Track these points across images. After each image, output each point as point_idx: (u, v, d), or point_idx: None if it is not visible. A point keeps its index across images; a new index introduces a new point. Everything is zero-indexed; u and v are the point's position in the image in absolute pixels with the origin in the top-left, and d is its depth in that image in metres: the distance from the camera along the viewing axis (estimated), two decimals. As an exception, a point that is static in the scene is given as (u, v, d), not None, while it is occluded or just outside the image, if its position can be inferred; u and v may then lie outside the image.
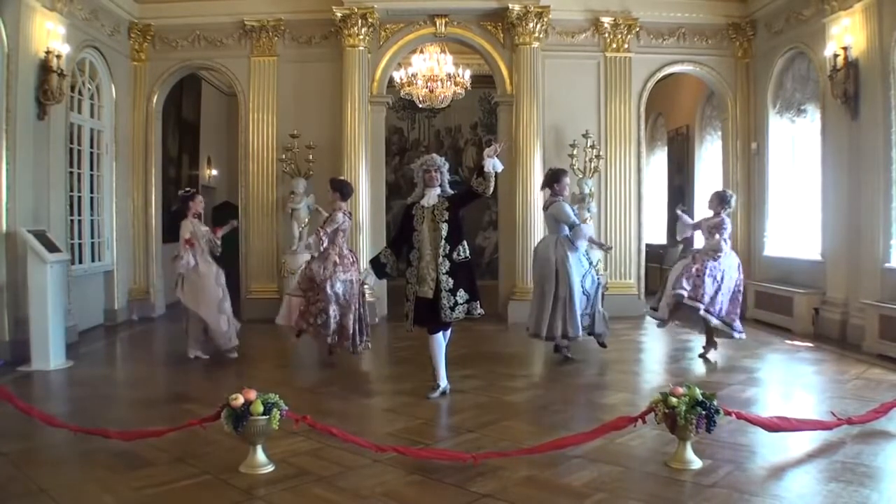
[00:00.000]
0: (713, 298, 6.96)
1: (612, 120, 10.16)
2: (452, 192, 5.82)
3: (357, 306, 6.99)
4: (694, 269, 6.99)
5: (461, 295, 5.64)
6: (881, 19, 7.51)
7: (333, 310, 6.80)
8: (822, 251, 8.78)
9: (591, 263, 7.14)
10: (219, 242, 7.45)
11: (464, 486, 3.79)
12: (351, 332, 6.90)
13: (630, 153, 10.23)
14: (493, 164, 5.53)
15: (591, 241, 7.32)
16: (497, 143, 5.93)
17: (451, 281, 5.61)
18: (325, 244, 6.80)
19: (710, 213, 7.32)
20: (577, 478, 3.91)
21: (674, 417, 3.93)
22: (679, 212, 7.62)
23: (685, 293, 6.94)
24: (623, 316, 9.72)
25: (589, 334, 7.12)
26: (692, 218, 7.90)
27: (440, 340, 5.83)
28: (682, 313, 7.19)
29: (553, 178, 7.10)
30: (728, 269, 7.06)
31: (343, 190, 7.15)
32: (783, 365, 7.18)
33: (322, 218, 7.42)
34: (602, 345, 7.26)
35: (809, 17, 8.81)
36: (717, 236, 7.03)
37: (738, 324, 7.11)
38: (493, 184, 5.58)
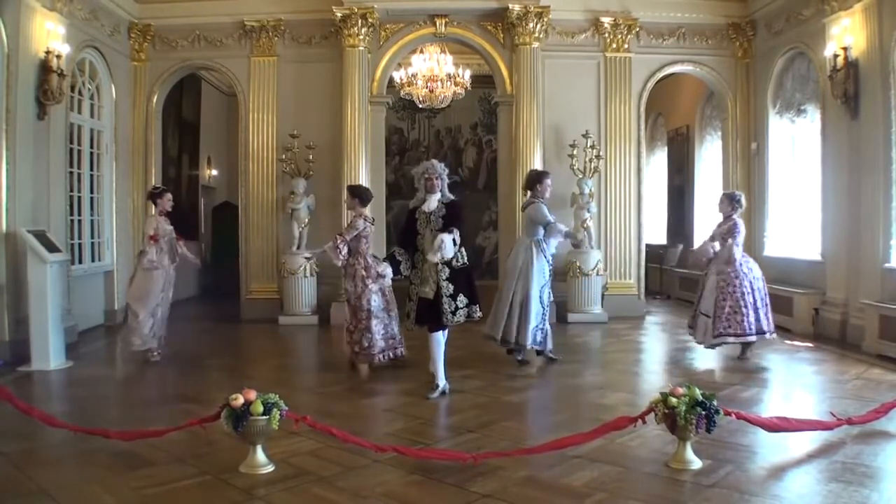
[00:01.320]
0: (758, 317, 6.93)
1: (612, 120, 10.17)
2: (451, 200, 5.96)
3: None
4: (729, 308, 6.88)
5: (461, 300, 5.78)
6: (881, 19, 7.51)
7: (376, 325, 6.58)
8: (822, 251, 8.78)
9: (551, 276, 6.97)
10: (179, 251, 7.37)
11: (464, 486, 3.79)
12: (401, 337, 6.79)
13: (630, 153, 10.23)
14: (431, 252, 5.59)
15: (566, 235, 7.05)
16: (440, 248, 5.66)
17: (451, 287, 5.75)
18: (343, 252, 6.50)
19: (721, 218, 7.22)
20: (577, 478, 3.90)
21: (674, 417, 3.93)
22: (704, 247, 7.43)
23: (728, 335, 6.92)
24: (623, 316, 9.74)
25: (538, 352, 6.95)
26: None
27: (440, 339, 5.90)
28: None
29: (535, 180, 7.00)
30: (755, 280, 7.01)
31: (362, 196, 6.90)
32: (783, 365, 7.17)
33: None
34: (553, 359, 7.00)
35: (809, 17, 8.81)
36: (730, 241, 6.96)
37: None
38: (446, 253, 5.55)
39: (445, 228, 5.70)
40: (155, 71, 10.28)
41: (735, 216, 7.09)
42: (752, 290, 6.96)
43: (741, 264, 7.00)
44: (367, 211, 6.87)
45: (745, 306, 6.88)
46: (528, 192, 7.08)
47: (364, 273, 6.60)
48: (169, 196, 7.38)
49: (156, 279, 7.12)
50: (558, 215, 9.91)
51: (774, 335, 7.18)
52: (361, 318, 6.57)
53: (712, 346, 7.09)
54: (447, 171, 6.07)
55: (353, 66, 9.72)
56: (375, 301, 6.60)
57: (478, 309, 5.89)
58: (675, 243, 12.78)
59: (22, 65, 7.33)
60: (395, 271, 6.08)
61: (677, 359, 7.41)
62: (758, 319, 6.94)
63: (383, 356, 6.63)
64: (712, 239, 7.23)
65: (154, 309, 7.11)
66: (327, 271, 9.86)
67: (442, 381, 5.85)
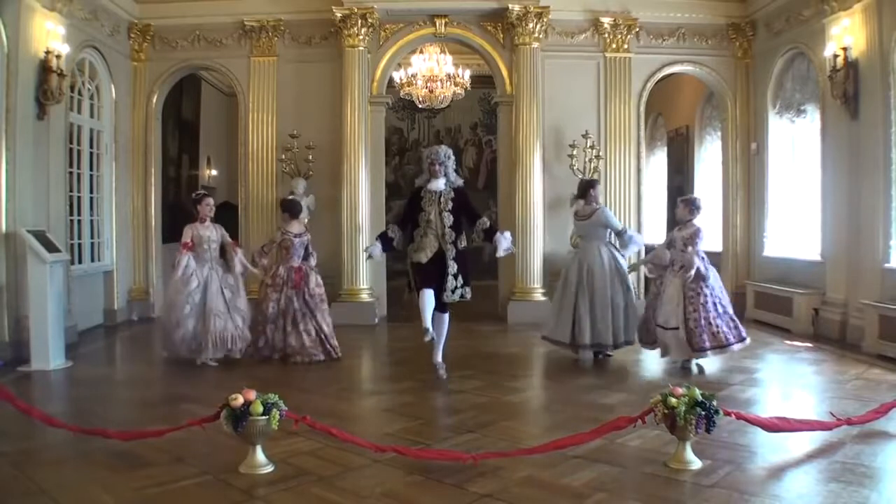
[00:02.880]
0: (734, 325, 6.64)
1: (611, 120, 10.16)
2: (460, 186, 6.34)
3: (305, 321, 7.15)
4: (703, 320, 6.47)
5: (460, 280, 6.17)
6: (881, 19, 7.51)
7: (270, 330, 7.13)
8: (821, 251, 8.78)
9: None
10: (237, 258, 7.14)
11: (464, 486, 3.79)
12: (302, 345, 7.10)
13: (630, 153, 10.23)
14: (503, 248, 6.22)
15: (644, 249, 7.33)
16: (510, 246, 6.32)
17: (455, 266, 6.13)
18: (260, 262, 7.27)
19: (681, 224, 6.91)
20: (577, 478, 3.91)
21: (673, 418, 3.93)
22: (643, 267, 7.38)
23: (708, 349, 6.49)
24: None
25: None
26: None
27: (431, 297, 6.08)
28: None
29: (590, 186, 7.24)
30: (719, 287, 6.72)
31: (289, 209, 7.52)
32: (783, 365, 7.18)
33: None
34: (608, 356, 7.17)
35: (809, 17, 8.81)
36: (690, 248, 6.62)
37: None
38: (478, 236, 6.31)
39: (456, 211, 6.16)
40: (155, 71, 10.28)
41: (695, 221, 6.79)
42: (720, 297, 6.69)
43: (707, 269, 6.68)
44: (296, 224, 7.44)
45: (719, 316, 6.56)
46: (582, 199, 7.27)
47: (269, 281, 7.18)
48: (208, 201, 7.08)
49: (177, 288, 6.83)
50: (558, 215, 10.03)
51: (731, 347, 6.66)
52: (259, 321, 7.15)
53: (688, 360, 6.67)
54: (452, 158, 6.32)
55: (352, 67, 9.71)
56: (272, 309, 7.13)
57: (469, 291, 6.25)
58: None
59: (22, 65, 7.33)
60: (387, 247, 6.41)
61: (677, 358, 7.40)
62: (736, 327, 6.62)
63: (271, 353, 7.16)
64: (670, 245, 6.93)
65: (181, 318, 6.75)
66: (326, 272, 9.87)
67: (429, 324, 6.05)
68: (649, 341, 6.98)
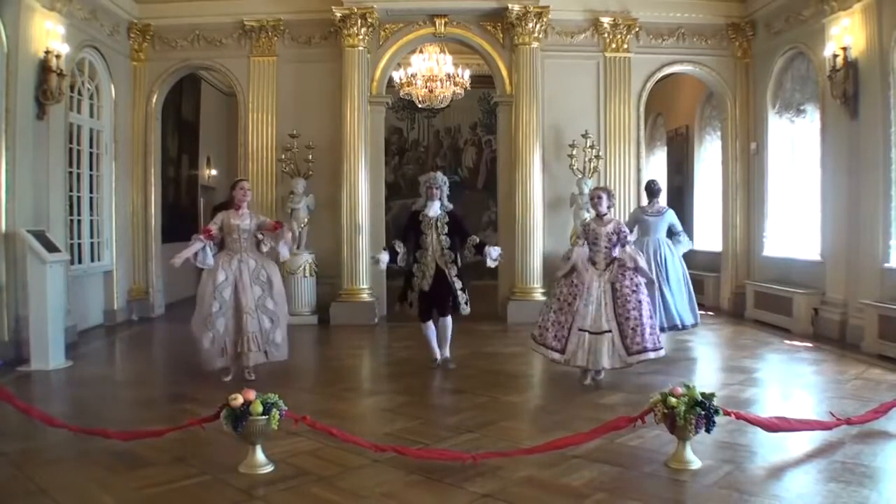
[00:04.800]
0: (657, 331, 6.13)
1: (611, 120, 10.16)
2: (451, 209, 6.78)
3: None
4: (643, 318, 5.90)
5: (464, 295, 6.67)
6: (881, 19, 7.51)
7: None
8: (821, 251, 8.78)
9: None
10: (265, 246, 6.35)
11: (463, 486, 3.79)
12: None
13: (629, 153, 10.23)
14: (491, 258, 6.65)
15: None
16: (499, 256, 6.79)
17: (459, 282, 6.64)
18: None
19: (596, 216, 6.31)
20: (577, 478, 3.91)
21: (673, 417, 3.93)
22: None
23: (649, 349, 5.91)
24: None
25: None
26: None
27: (450, 322, 6.75)
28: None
29: (659, 189, 7.98)
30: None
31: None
32: (783, 365, 7.18)
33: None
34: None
35: (809, 17, 8.82)
36: (629, 248, 6.07)
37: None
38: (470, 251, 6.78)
39: (451, 234, 6.66)
40: (154, 71, 10.28)
41: (612, 214, 6.28)
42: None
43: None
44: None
45: (651, 317, 6.04)
46: (654, 199, 7.85)
47: None
48: (242, 185, 6.40)
49: (203, 281, 6.24)
50: (558, 215, 10.04)
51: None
52: None
53: (597, 373, 6.08)
54: (447, 183, 6.85)
55: (352, 66, 9.71)
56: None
57: (468, 304, 6.77)
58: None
59: (21, 64, 7.33)
60: (393, 259, 6.72)
61: (676, 358, 7.40)
62: (659, 332, 6.13)
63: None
64: (590, 239, 6.17)
65: (209, 319, 6.09)
66: (326, 271, 9.88)
67: (438, 356, 6.74)
68: (558, 348, 6.05)
